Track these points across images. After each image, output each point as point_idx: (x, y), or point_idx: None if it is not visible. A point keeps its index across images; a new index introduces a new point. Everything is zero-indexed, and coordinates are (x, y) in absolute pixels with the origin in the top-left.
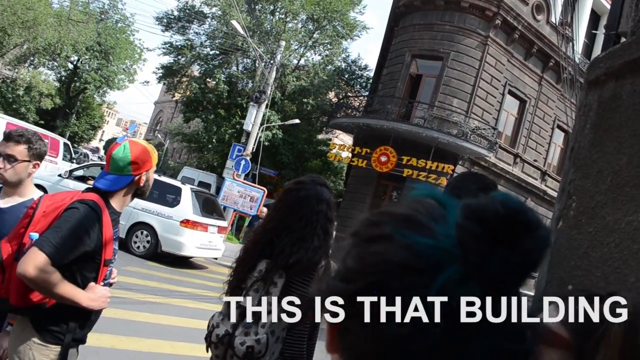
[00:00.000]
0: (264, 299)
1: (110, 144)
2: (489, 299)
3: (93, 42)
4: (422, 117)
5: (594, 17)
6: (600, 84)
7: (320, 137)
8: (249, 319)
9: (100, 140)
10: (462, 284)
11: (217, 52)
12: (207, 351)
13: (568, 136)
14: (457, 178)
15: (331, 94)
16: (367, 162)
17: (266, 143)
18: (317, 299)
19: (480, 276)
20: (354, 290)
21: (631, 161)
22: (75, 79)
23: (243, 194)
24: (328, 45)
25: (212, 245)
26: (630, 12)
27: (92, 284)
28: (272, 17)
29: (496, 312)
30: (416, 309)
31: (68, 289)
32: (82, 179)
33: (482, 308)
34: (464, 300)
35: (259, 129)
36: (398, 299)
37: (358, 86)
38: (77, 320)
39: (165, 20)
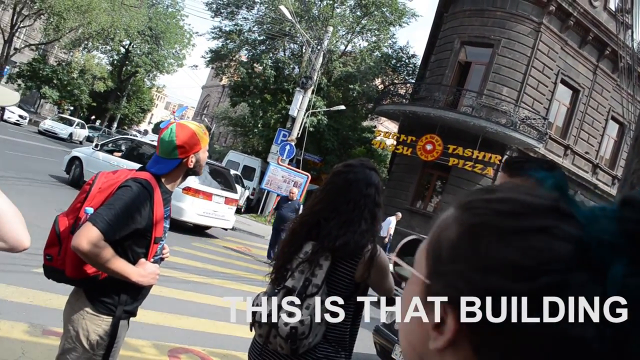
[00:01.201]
0: (310, 281)
1: (158, 126)
2: None
3: (144, 26)
4: (470, 105)
5: None
6: None
7: (365, 124)
8: (294, 300)
9: (149, 123)
10: (634, 276)
11: (265, 38)
12: (251, 330)
13: (623, 128)
14: (516, 159)
15: (377, 81)
16: (412, 150)
17: (311, 129)
18: (442, 297)
19: None
20: (532, 289)
21: None
22: (127, 62)
23: (287, 179)
24: (376, 32)
25: (217, 215)
26: None
27: (142, 260)
28: (320, 2)
29: None
30: (593, 305)
31: (119, 264)
32: (109, 151)
33: None
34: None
35: (304, 115)
36: (580, 298)
37: (405, 73)
38: (128, 293)
39: (214, 6)
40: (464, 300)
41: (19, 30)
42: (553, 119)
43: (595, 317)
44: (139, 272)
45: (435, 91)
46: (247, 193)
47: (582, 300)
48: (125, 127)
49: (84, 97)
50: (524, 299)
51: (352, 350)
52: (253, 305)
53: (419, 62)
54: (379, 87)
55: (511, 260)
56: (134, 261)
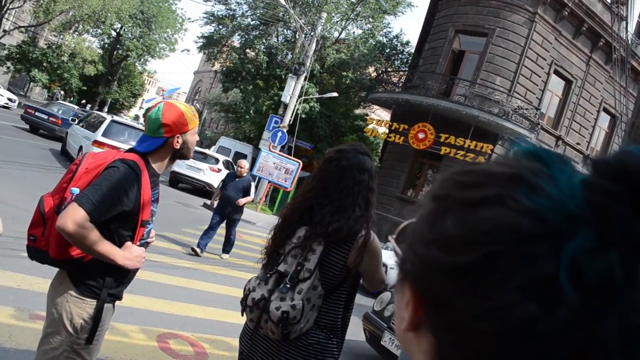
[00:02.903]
0: (303, 266)
1: (148, 109)
2: (629, 270)
3: (136, 10)
4: (463, 94)
5: None
6: None
7: (357, 111)
8: (285, 284)
9: (140, 107)
10: (599, 253)
11: (258, 23)
12: (242, 315)
13: (614, 120)
14: None
15: (371, 69)
16: (404, 139)
17: (303, 116)
18: (394, 271)
19: (620, 244)
20: (466, 262)
21: None
22: (118, 46)
23: (278, 166)
24: (370, 19)
25: None
26: None
27: (128, 243)
28: None
29: (633, 283)
30: (543, 283)
31: (104, 246)
32: (85, 126)
33: (622, 279)
34: (603, 271)
35: (296, 101)
36: (521, 272)
37: (398, 62)
38: (113, 276)
39: None
40: (413, 275)
41: (8, 11)
42: (545, 110)
43: (541, 296)
44: (125, 255)
45: (429, 79)
46: None
47: (526, 275)
48: (116, 112)
49: (74, 81)
50: (460, 273)
51: (344, 337)
52: (245, 290)
53: (412, 50)
54: (372, 75)
55: (451, 232)
56: (119, 244)
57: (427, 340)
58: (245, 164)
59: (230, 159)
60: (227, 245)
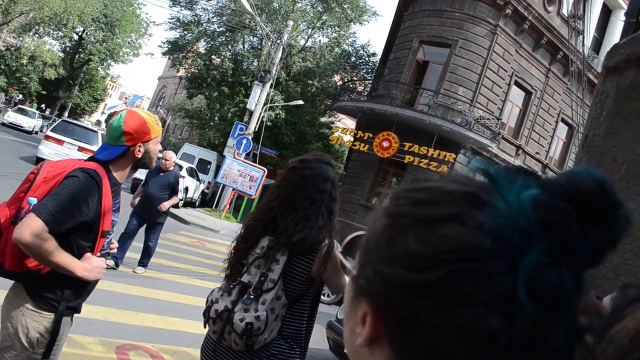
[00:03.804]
0: (266, 276)
1: (111, 115)
2: (575, 281)
3: (99, 13)
4: (427, 104)
5: (605, 11)
6: (619, 71)
7: (323, 119)
8: (249, 295)
9: (103, 113)
10: (551, 267)
11: (224, 29)
12: (205, 327)
13: (572, 130)
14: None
15: (336, 77)
16: (369, 147)
17: (268, 123)
18: (350, 287)
19: (570, 258)
20: (431, 280)
21: None
22: (80, 50)
23: (243, 173)
24: (336, 28)
25: (68, 156)
26: None
27: (88, 254)
28: None
29: (578, 293)
30: (504, 297)
31: (63, 258)
32: None
33: (571, 290)
34: (555, 283)
35: (262, 109)
36: (484, 288)
37: (364, 71)
38: (72, 288)
39: None
40: (374, 292)
41: None
42: (506, 120)
43: (503, 310)
44: (84, 266)
45: (393, 89)
46: (202, 187)
47: (488, 291)
48: (77, 117)
49: (33, 85)
50: (424, 290)
51: (307, 346)
52: (207, 301)
53: (378, 60)
54: (338, 83)
55: (413, 250)
56: (79, 255)
57: (383, 354)
58: (171, 155)
59: (194, 166)
60: (145, 257)
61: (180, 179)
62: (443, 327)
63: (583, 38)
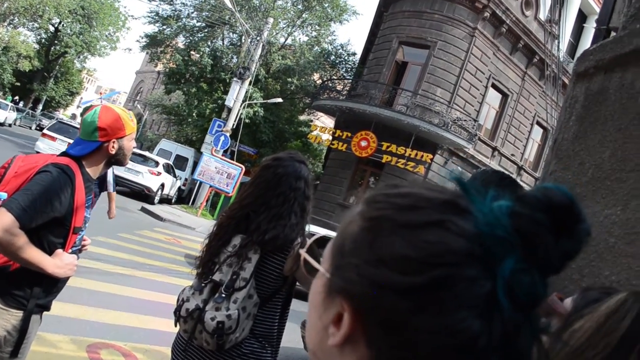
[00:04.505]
0: (238, 275)
1: (86, 109)
2: (543, 285)
3: (76, 5)
4: (405, 104)
5: (581, 16)
6: (588, 77)
7: (301, 118)
8: (220, 294)
9: (78, 106)
10: (526, 272)
11: (204, 25)
12: (176, 325)
13: (547, 133)
14: (484, 176)
15: (316, 76)
16: (347, 146)
17: (247, 120)
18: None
19: (541, 264)
20: (420, 283)
21: (614, 154)
22: (56, 42)
23: (220, 170)
24: (316, 27)
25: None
26: (622, 8)
27: (59, 250)
28: None
29: (544, 296)
30: (484, 301)
31: (34, 254)
32: None
33: (542, 293)
34: (529, 287)
35: (240, 106)
36: (468, 291)
37: (343, 70)
38: (42, 285)
39: None
40: (357, 293)
41: None
42: (483, 121)
43: (483, 312)
44: (55, 263)
45: (372, 89)
46: (178, 183)
47: (471, 295)
48: (51, 110)
49: (6, 76)
50: (412, 293)
51: (279, 345)
52: (178, 299)
53: (357, 60)
54: (317, 82)
55: (401, 253)
56: (49, 251)
57: (356, 353)
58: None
59: (171, 162)
60: None
61: (111, 171)
62: (429, 328)
63: (558, 43)
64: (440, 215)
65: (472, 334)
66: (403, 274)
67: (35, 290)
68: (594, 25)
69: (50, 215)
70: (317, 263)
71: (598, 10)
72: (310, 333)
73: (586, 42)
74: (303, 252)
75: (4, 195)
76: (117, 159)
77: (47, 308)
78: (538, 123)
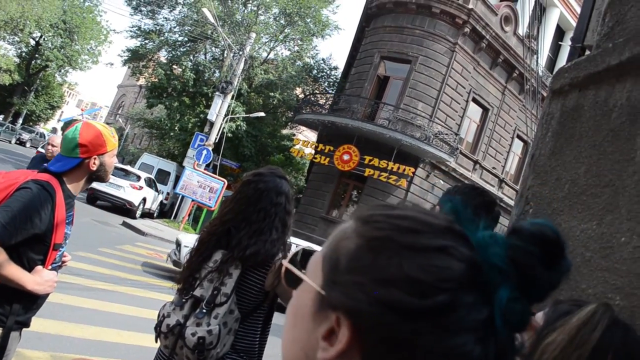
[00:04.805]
0: (219, 290)
1: (67, 124)
2: (530, 312)
3: (58, 19)
4: (387, 118)
5: (559, 32)
6: (563, 94)
7: (284, 132)
8: (201, 309)
9: (59, 120)
10: (518, 300)
11: (186, 39)
12: (157, 341)
13: (527, 146)
14: (459, 191)
15: (298, 90)
16: (330, 160)
17: (229, 134)
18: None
19: (531, 293)
20: (429, 305)
21: (589, 170)
22: (37, 56)
23: (203, 184)
24: (298, 41)
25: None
26: (596, 26)
27: (39, 267)
28: (244, 8)
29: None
30: (482, 325)
31: (13, 271)
32: None
33: (528, 321)
34: (520, 315)
35: (223, 120)
36: (469, 316)
37: (325, 84)
38: (21, 302)
39: (134, 2)
40: (360, 311)
41: None
42: (464, 135)
43: (482, 336)
44: (35, 279)
45: (354, 103)
46: (160, 197)
47: (471, 320)
48: (32, 124)
49: None
50: (419, 314)
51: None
52: (159, 315)
53: (340, 75)
54: (300, 96)
55: (411, 276)
56: (29, 268)
57: None
58: (59, 141)
59: (152, 176)
60: None
61: None
62: (430, 349)
63: (537, 57)
64: (442, 240)
65: (472, 357)
66: (412, 295)
67: (15, 307)
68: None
69: (30, 232)
70: (303, 275)
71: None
72: (290, 347)
73: (564, 58)
74: (286, 263)
75: None
76: (99, 175)
77: (27, 324)
78: (518, 136)
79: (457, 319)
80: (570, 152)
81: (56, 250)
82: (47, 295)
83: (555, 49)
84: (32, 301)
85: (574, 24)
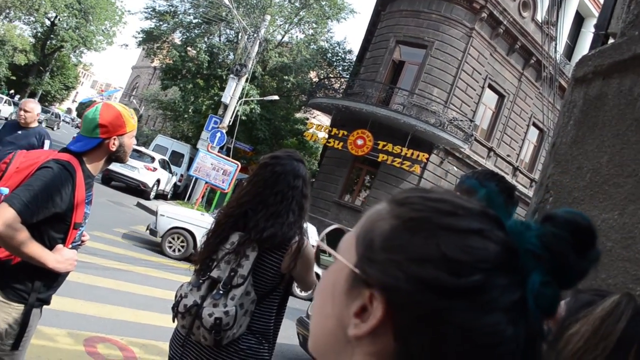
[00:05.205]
0: (236, 272)
1: (82, 105)
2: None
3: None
4: (402, 103)
5: (578, 19)
6: (587, 82)
7: (298, 115)
8: (218, 290)
9: (74, 101)
10: (549, 285)
11: (200, 21)
12: (174, 321)
13: (543, 134)
14: (477, 176)
15: (312, 74)
16: (343, 145)
17: (243, 117)
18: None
19: (561, 279)
20: (467, 284)
21: (612, 160)
22: (52, 36)
23: (216, 167)
24: (313, 24)
25: None
26: (621, 14)
27: (59, 245)
28: None
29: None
30: (515, 307)
31: (35, 249)
32: None
33: (557, 306)
34: (551, 299)
35: (237, 103)
36: (504, 297)
37: (340, 68)
38: (43, 280)
39: None
40: (397, 288)
41: None
42: (479, 122)
43: (514, 316)
44: (56, 258)
45: (369, 87)
46: (174, 179)
47: (505, 300)
48: (47, 104)
49: (2, 70)
50: (457, 292)
51: (276, 341)
52: (176, 295)
53: (354, 59)
54: (314, 80)
55: (448, 255)
56: (50, 247)
57: (378, 345)
58: (32, 106)
59: (167, 158)
60: None
61: (47, 141)
62: (464, 326)
63: (556, 44)
64: (479, 224)
65: (504, 336)
66: (449, 274)
67: (37, 284)
68: (593, 29)
69: (51, 211)
70: (337, 254)
71: (596, 13)
72: (321, 324)
73: (583, 45)
74: (319, 242)
75: (6, 190)
76: (118, 156)
77: (47, 302)
78: (534, 124)
79: (492, 299)
80: (592, 140)
81: (76, 230)
82: (67, 273)
83: (574, 35)
84: (53, 279)
85: (594, 11)
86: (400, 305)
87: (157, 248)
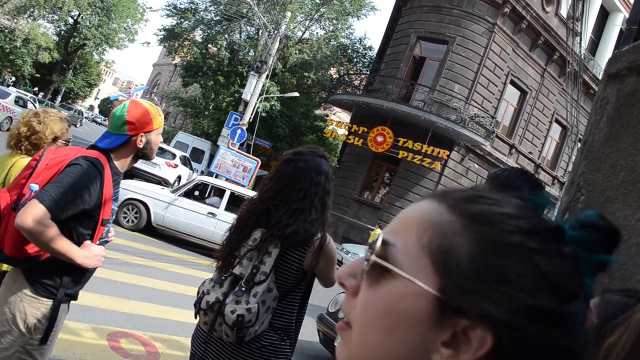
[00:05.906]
0: (258, 269)
1: (105, 102)
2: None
3: None
4: (422, 100)
5: (603, 14)
6: (620, 78)
7: (317, 112)
8: (240, 287)
9: (96, 98)
10: (590, 287)
11: (221, 18)
12: (196, 317)
13: (565, 131)
14: (506, 173)
15: (332, 70)
16: (363, 141)
17: (263, 114)
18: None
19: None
20: (572, 310)
21: None
22: (75, 34)
23: (236, 163)
24: (334, 21)
25: None
26: None
27: (87, 242)
28: None
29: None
30: (578, 316)
31: (64, 245)
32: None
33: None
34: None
35: (257, 99)
36: (582, 312)
37: (360, 65)
38: (71, 275)
39: None
40: (506, 321)
41: None
42: (500, 118)
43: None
44: (84, 253)
45: (389, 84)
46: (195, 176)
47: (582, 315)
48: (70, 102)
49: (26, 68)
50: (564, 318)
51: (297, 338)
52: (199, 292)
53: (374, 54)
54: (334, 76)
55: (553, 281)
56: (78, 242)
57: None
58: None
59: (187, 154)
60: None
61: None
62: (570, 348)
63: (580, 40)
64: (562, 245)
65: (587, 346)
66: (558, 301)
67: (65, 280)
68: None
69: (80, 207)
70: (414, 279)
71: (621, 7)
72: (385, 349)
73: (608, 39)
74: (376, 258)
75: (36, 187)
76: (145, 153)
77: (75, 297)
78: (557, 121)
79: (582, 317)
80: (626, 138)
81: (104, 226)
82: (94, 269)
83: (598, 31)
84: (81, 275)
85: (620, 5)
86: (509, 337)
87: (177, 244)
